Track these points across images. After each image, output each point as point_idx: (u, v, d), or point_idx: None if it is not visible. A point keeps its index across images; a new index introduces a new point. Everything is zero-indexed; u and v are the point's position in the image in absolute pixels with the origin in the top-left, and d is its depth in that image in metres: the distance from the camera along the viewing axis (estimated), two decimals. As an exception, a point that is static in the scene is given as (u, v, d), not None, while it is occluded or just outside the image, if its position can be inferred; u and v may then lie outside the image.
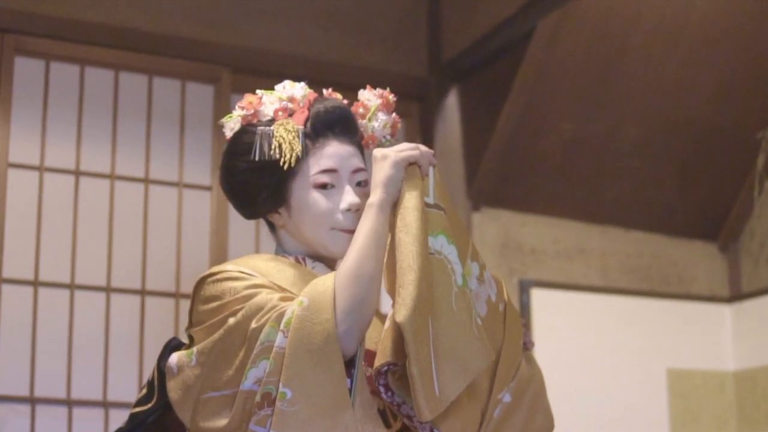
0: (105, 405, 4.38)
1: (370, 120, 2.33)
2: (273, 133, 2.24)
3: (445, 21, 5.20)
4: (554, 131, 5.17)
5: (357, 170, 2.26)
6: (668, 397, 5.44)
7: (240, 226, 4.68)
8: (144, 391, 2.27)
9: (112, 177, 4.55)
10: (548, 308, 5.13)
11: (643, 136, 5.32)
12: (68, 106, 4.53)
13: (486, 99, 5.12)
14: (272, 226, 2.35)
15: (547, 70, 4.94)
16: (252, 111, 2.29)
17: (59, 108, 4.52)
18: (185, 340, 2.25)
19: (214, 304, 2.15)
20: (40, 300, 4.37)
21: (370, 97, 2.35)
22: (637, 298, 5.48)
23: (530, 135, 5.11)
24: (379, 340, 2.08)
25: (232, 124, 2.31)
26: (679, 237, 5.67)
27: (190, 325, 2.22)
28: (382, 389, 2.07)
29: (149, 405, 2.24)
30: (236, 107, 2.31)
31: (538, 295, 5.13)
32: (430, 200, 2.14)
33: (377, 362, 2.04)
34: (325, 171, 2.23)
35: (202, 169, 4.71)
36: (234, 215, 4.59)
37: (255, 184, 2.26)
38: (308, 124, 2.26)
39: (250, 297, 2.10)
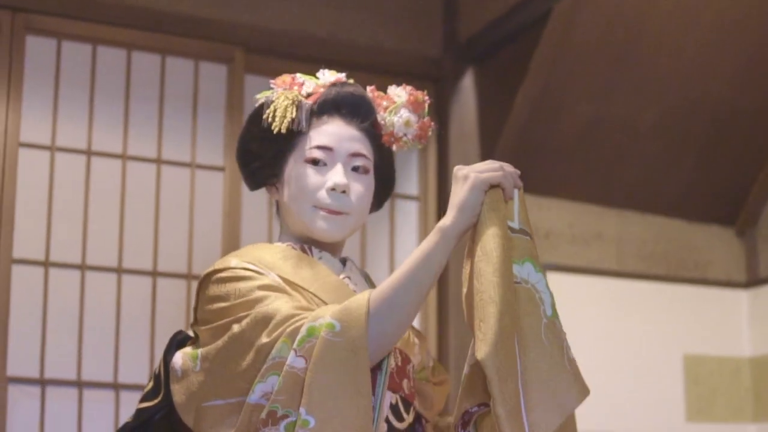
0: (116, 387, 4.36)
1: (391, 113, 2.27)
2: (272, 99, 2.24)
3: (461, 1, 5.16)
4: (571, 114, 5.13)
5: (356, 154, 2.22)
6: (684, 382, 5.42)
7: (253, 207, 4.66)
8: (151, 384, 2.24)
9: (124, 157, 4.52)
10: (563, 293, 5.06)
11: (660, 119, 5.29)
12: (80, 85, 4.50)
13: (502, 81, 5.08)
14: (278, 209, 2.33)
15: (563, 52, 4.90)
16: (287, 87, 2.27)
17: (71, 87, 4.49)
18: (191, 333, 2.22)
19: (219, 306, 2.10)
20: (51, 281, 4.34)
21: (399, 93, 2.30)
22: (653, 282, 5.46)
23: (546, 118, 5.07)
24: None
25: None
26: (696, 221, 5.64)
27: (195, 322, 2.18)
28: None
29: (156, 401, 2.20)
30: (272, 85, 2.30)
31: (553, 280, 5.03)
32: (515, 225, 2.02)
33: (462, 406, 1.95)
34: (319, 147, 2.21)
35: (215, 149, 4.68)
36: (247, 196, 4.60)
37: (254, 152, 2.27)
38: (317, 102, 2.24)
39: (255, 302, 2.05)
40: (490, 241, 1.95)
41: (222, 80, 4.74)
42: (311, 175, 2.20)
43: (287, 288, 2.10)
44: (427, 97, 2.30)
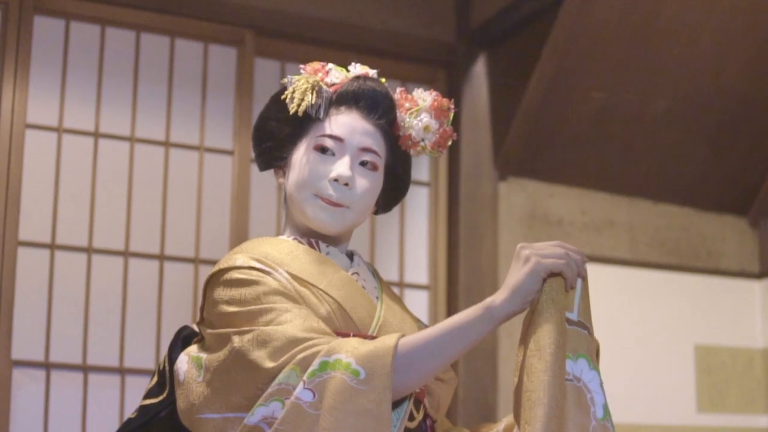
0: (121, 371, 4.34)
1: (412, 116, 2.23)
2: (292, 81, 2.22)
3: (474, -15, 5.13)
4: (584, 100, 5.09)
5: (366, 149, 2.19)
6: (695, 373, 5.39)
7: (262, 191, 4.64)
8: (155, 380, 2.22)
9: (132, 139, 4.49)
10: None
11: (674, 107, 5.24)
12: (88, 66, 4.47)
13: (515, 67, 5.05)
14: (285, 199, 2.29)
15: (577, 38, 4.86)
16: (317, 74, 2.24)
17: (79, 68, 4.46)
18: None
19: (223, 310, 2.06)
20: (57, 264, 4.32)
21: (424, 96, 2.26)
22: (665, 272, 5.43)
23: (559, 104, 5.04)
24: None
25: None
26: (709, 210, 5.60)
27: (201, 321, 2.15)
28: None
29: (160, 398, 2.18)
30: (301, 70, 2.27)
31: (564, 268, 5.05)
32: (574, 317, 1.91)
33: None
34: (330, 136, 2.18)
35: (224, 132, 4.65)
36: (255, 180, 4.57)
37: (270, 132, 2.26)
38: (337, 91, 2.22)
39: (259, 314, 2.01)
40: (545, 335, 1.86)
41: (232, 63, 4.71)
42: (317, 162, 2.17)
43: (294, 293, 2.06)
44: (452, 105, 2.26)
